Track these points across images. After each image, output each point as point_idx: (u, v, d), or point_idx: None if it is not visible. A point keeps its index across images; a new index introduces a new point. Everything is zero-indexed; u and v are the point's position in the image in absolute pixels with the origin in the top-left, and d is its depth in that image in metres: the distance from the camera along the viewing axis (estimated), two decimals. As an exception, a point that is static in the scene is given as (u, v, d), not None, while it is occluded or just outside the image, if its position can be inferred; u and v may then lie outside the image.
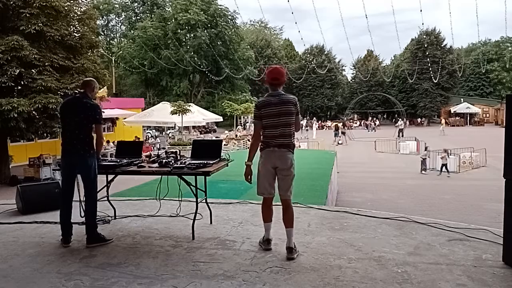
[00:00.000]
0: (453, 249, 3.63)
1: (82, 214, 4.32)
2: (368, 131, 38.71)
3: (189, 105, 21.10)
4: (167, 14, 41.65)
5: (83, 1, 14.05)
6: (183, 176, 4.03)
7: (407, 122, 37.28)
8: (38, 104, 11.22)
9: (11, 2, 11.79)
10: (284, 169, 3.55)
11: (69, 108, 3.96)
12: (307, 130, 34.34)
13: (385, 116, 54.72)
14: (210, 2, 40.44)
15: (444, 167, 16.19)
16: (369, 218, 4.71)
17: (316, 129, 35.86)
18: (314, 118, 47.55)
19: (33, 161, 13.66)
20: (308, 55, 51.15)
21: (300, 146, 21.90)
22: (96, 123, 3.94)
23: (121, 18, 50.12)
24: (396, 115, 48.11)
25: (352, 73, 56.63)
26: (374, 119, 45.15)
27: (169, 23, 40.62)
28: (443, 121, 38.47)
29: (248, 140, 25.04)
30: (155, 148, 22.29)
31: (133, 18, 47.92)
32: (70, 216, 3.96)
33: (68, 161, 3.92)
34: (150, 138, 27.45)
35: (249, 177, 3.61)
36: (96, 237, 3.91)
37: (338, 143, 27.90)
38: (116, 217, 4.83)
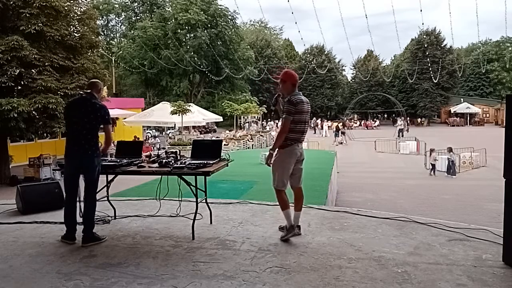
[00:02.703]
0: (453, 249, 3.63)
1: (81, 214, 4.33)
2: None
3: (189, 105, 21.10)
4: (167, 14, 41.65)
5: (83, 1, 14.07)
6: (183, 176, 4.03)
7: (406, 124, 36.46)
8: (38, 104, 11.22)
9: (11, 2, 11.79)
10: (301, 161, 3.97)
11: (77, 108, 3.95)
12: (321, 131, 33.02)
13: (385, 116, 54.70)
14: (210, 2, 40.41)
15: (433, 167, 16.19)
16: (369, 218, 4.71)
17: (328, 128, 35.54)
18: (314, 118, 47.58)
19: (33, 161, 13.66)
20: (308, 55, 51.16)
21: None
22: (106, 124, 3.97)
23: (121, 18, 50.13)
24: (393, 115, 48.04)
25: (352, 73, 56.70)
26: (403, 117, 43.17)
27: (169, 23, 40.62)
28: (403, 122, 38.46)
29: (248, 140, 25.06)
30: (155, 148, 22.31)
31: (133, 18, 47.91)
32: (75, 215, 3.98)
33: (75, 161, 3.92)
34: (150, 138, 27.45)
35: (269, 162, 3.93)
36: (92, 237, 3.93)
37: (340, 143, 27.99)
38: (116, 217, 4.83)
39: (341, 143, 28.18)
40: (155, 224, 4.57)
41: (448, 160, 15.91)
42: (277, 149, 3.86)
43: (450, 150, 16.12)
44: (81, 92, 4.20)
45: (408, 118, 41.20)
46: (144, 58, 39.73)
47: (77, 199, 4.10)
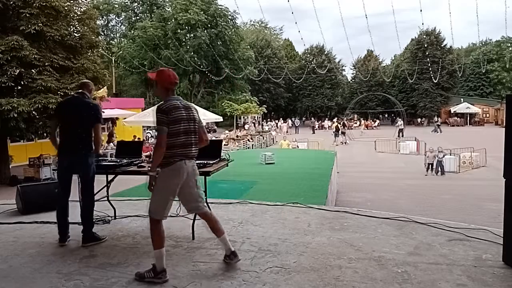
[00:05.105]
0: (453, 249, 3.63)
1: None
2: (434, 131, 35.46)
3: (189, 105, 21.04)
4: (167, 14, 41.62)
5: (83, 1, 14.06)
6: (183, 176, 4.02)
7: (437, 125, 36.15)
8: (38, 104, 11.22)
9: (11, 2, 11.80)
10: (194, 177, 3.25)
11: (70, 107, 3.98)
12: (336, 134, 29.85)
13: (386, 116, 54.72)
14: (210, 2, 40.38)
15: (430, 166, 16.35)
16: (369, 218, 4.71)
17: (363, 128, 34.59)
18: (312, 119, 47.63)
19: (33, 161, 13.66)
20: (308, 55, 51.13)
21: (298, 147, 21.95)
22: (97, 123, 3.98)
23: (121, 18, 50.08)
24: (392, 115, 48.08)
25: (352, 73, 56.69)
26: (422, 118, 41.70)
27: (169, 23, 40.59)
28: (363, 122, 38.35)
29: (248, 140, 25.04)
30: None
31: (133, 18, 47.87)
32: (67, 215, 3.96)
33: (68, 159, 3.92)
34: (150, 138, 27.44)
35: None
36: (91, 237, 3.93)
37: (343, 143, 28.01)
38: (116, 217, 4.83)
39: (343, 143, 28.19)
40: (155, 224, 4.56)
41: (437, 159, 16.20)
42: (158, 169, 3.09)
43: (439, 150, 16.47)
44: (73, 93, 4.21)
45: (439, 120, 40.14)
46: (144, 58, 39.71)
47: (69, 199, 4.07)
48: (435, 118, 40.87)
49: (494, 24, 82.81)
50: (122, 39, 48.79)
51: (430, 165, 16.34)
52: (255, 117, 34.64)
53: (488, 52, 52.68)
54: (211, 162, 4.11)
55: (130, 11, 48.42)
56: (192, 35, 40.41)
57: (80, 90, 4.06)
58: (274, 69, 46.90)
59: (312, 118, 48.00)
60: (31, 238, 4.17)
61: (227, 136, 25.15)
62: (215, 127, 36.85)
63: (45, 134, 13.16)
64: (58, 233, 3.94)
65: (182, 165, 3.11)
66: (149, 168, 3.14)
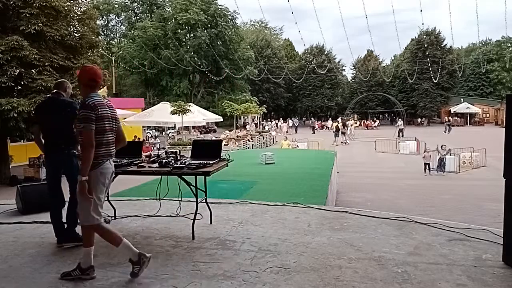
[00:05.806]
0: (453, 249, 3.63)
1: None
2: (445, 131, 35.20)
3: (189, 105, 21.10)
4: (167, 14, 41.67)
5: (83, 1, 14.07)
6: (183, 176, 4.03)
7: (448, 125, 36.22)
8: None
9: (11, 2, 11.81)
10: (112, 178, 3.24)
11: (48, 108, 3.95)
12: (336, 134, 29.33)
13: (386, 116, 54.76)
14: (210, 2, 40.41)
15: (427, 166, 16.41)
16: (369, 218, 4.71)
17: (353, 127, 34.40)
18: (312, 119, 47.58)
19: (33, 161, 13.67)
20: (308, 55, 51.15)
21: (298, 147, 21.96)
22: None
23: (121, 18, 50.14)
24: (392, 115, 48.07)
25: (352, 73, 56.72)
26: (422, 118, 41.22)
27: (169, 23, 40.62)
28: (352, 122, 38.48)
29: (248, 140, 25.03)
30: (155, 148, 22.29)
31: (133, 18, 47.91)
32: (61, 217, 3.94)
33: (53, 160, 3.91)
34: (150, 138, 27.45)
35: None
36: (74, 237, 3.90)
37: (343, 142, 28.02)
38: (116, 217, 4.83)
39: (343, 143, 28.20)
40: (155, 224, 4.56)
41: (440, 157, 16.36)
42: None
43: (442, 148, 16.71)
44: (49, 95, 4.19)
45: (450, 119, 39.77)
46: (144, 58, 39.72)
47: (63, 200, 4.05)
48: (446, 118, 40.85)
49: (494, 24, 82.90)
50: (122, 39, 48.83)
51: (427, 165, 16.40)
52: (254, 117, 34.66)
53: (488, 52, 52.70)
54: (211, 162, 4.11)
55: (130, 11, 48.46)
56: (192, 35, 40.45)
57: (55, 90, 4.03)
58: (274, 69, 46.91)
59: (312, 118, 48.01)
60: (31, 238, 4.17)
61: (227, 136, 25.15)
62: (215, 127, 36.85)
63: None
64: (55, 235, 3.93)
65: (109, 165, 3.11)
66: (81, 174, 2.91)
